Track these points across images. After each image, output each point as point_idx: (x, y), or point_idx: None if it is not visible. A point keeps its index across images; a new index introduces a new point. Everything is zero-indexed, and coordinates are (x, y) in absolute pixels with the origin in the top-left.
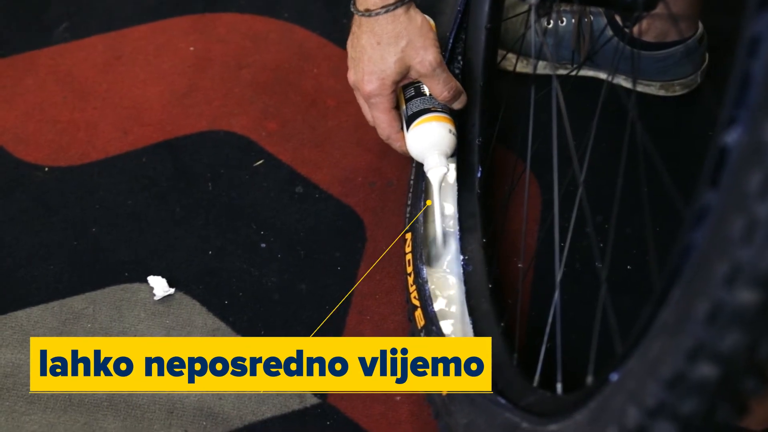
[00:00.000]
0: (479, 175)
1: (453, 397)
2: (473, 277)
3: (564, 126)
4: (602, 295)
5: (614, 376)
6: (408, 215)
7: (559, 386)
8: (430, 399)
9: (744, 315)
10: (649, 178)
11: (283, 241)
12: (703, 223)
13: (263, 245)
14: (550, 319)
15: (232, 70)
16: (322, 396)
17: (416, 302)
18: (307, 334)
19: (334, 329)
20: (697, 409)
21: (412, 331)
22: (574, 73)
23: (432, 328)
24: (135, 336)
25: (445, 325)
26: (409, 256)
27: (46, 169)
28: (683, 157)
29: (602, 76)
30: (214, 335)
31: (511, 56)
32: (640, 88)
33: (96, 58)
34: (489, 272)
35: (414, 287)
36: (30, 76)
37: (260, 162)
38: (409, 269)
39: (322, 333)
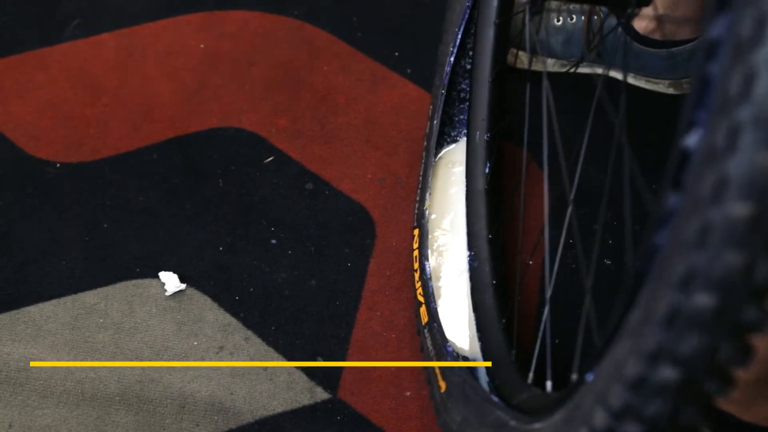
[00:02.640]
0: (487, 170)
1: (450, 394)
2: (478, 272)
3: (554, 125)
4: (588, 288)
5: (590, 376)
6: (416, 211)
7: (548, 384)
8: (432, 396)
9: (700, 318)
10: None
11: (293, 238)
12: (667, 225)
13: (274, 241)
14: (545, 317)
15: (242, 67)
16: (333, 391)
17: (421, 299)
18: (317, 330)
19: (345, 325)
20: (660, 411)
21: (418, 329)
22: (572, 70)
23: (434, 325)
24: (146, 331)
25: (446, 322)
26: (415, 253)
27: (58, 165)
28: None
29: (614, 74)
30: (225, 330)
31: (523, 54)
32: (648, 86)
33: (107, 54)
34: (493, 268)
35: (419, 284)
36: (42, 72)
37: (270, 158)
38: (416, 265)
39: (332, 330)
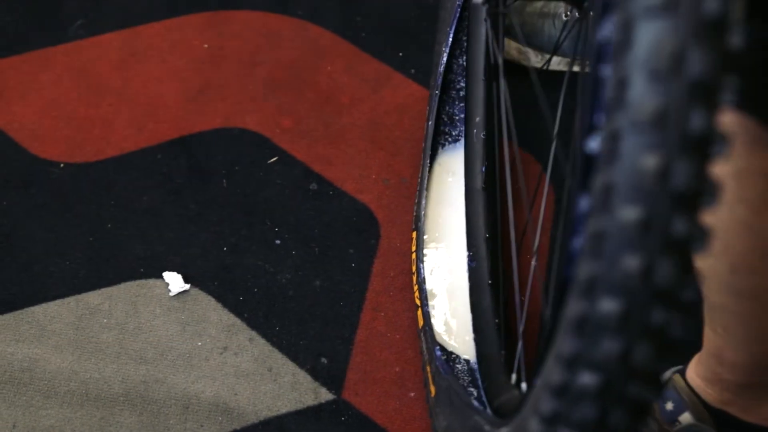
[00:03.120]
0: (483, 169)
1: (438, 400)
2: (476, 273)
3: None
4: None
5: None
6: (415, 213)
7: (524, 386)
8: (427, 400)
9: (607, 323)
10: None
11: (297, 238)
12: (580, 229)
13: (278, 242)
14: (523, 314)
15: (246, 68)
16: (337, 392)
17: (418, 302)
18: (322, 330)
19: (349, 326)
20: (588, 416)
21: (418, 331)
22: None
23: (426, 329)
24: (150, 331)
25: (438, 325)
26: (413, 255)
27: (62, 165)
28: None
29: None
30: (229, 331)
31: (528, 51)
32: None
33: (111, 54)
34: (490, 268)
35: (416, 287)
36: (46, 72)
37: (275, 159)
38: (413, 268)
39: (336, 331)
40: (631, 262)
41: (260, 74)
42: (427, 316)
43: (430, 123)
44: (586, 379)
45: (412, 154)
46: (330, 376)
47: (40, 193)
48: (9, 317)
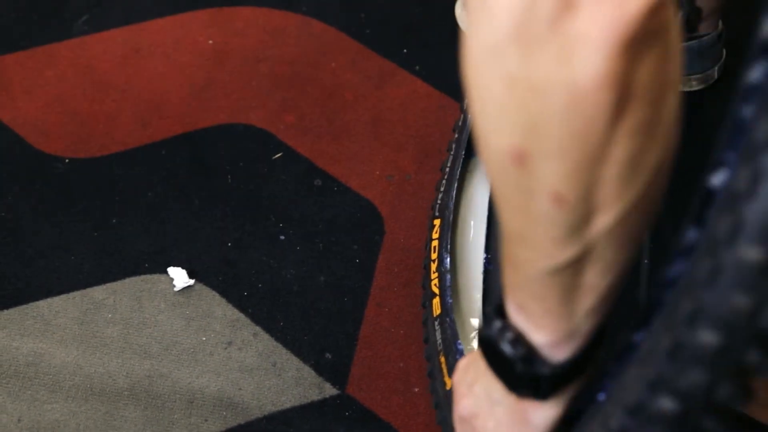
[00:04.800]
0: None
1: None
2: (492, 276)
3: None
4: None
5: (601, 396)
6: (439, 201)
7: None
8: (432, 389)
9: (702, 354)
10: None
11: (301, 234)
12: (685, 259)
13: (282, 237)
14: None
15: (250, 64)
16: (341, 387)
17: (436, 290)
18: (326, 326)
19: (353, 321)
20: None
21: (425, 319)
22: None
23: (446, 320)
24: (155, 326)
25: (458, 319)
26: (435, 243)
27: (66, 160)
28: (695, 153)
29: None
30: (233, 326)
31: None
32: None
33: (115, 50)
34: None
35: (436, 275)
36: (50, 68)
37: (279, 155)
38: (434, 255)
39: (340, 326)
40: (742, 301)
41: (264, 70)
42: (447, 308)
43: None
44: (666, 404)
45: (416, 150)
46: (334, 371)
47: (45, 189)
48: (14, 312)
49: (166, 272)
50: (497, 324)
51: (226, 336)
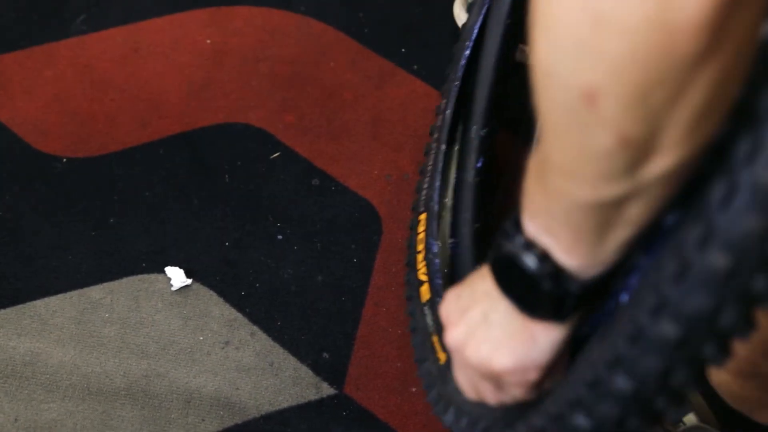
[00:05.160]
0: (479, 165)
1: (450, 365)
2: (460, 259)
3: None
4: None
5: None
6: (423, 196)
7: None
8: (424, 372)
9: (712, 277)
10: None
11: (299, 233)
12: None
13: (280, 237)
14: None
15: (249, 63)
16: (339, 386)
17: (424, 278)
18: (324, 326)
19: (351, 321)
20: (654, 368)
21: (412, 309)
22: None
23: (437, 300)
24: (152, 326)
25: None
26: (421, 235)
27: (65, 160)
28: None
29: None
30: (231, 326)
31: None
32: None
33: (114, 50)
34: (476, 257)
35: (424, 263)
36: (49, 67)
37: (277, 154)
38: (420, 247)
39: (338, 326)
40: (755, 223)
41: (263, 70)
42: (437, 289)
43: (447, 112)
44: (668, 329)
45: (415, 150)
46: (332, 371)
47: (44, 188)
48: (11, 311)
49: (164, 272)
50: (520, 240)
51: (223, 336)
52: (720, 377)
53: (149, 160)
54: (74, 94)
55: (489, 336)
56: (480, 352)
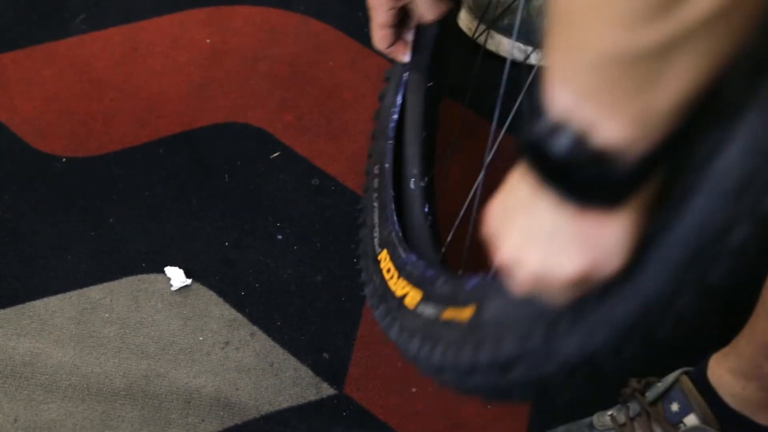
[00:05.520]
0: (426, 210)
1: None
2: (411, 211)
3: None
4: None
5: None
6: (378, 237)
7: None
8: (370, 294)
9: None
10: None
11: (299, 233)
12: None
13: (280, 237)
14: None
15: (248, 63)
16: (339, 387)
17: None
18: (323, 326)
19: (351, 321)
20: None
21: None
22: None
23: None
24: (152, 326)
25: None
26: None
27: (64, 159)
28: None
29: None
30: (230, 326)
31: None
32: None
33: (113, 49)
34: (425, 215)
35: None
36: (48, 67)
37: (277, 154)
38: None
39: (337, 326)
40: None
41: (262, 69)
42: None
43: (386, 165)
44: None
45: None
46: (331, 371)
47: (43, 188)
48: (10, 311)
49: (164, 272)
50: (547, 122)
51: (223, 336)
52: (722, 378)
53: (149, 159)
54: (73, 93)
55: (549, 247)
56: (544, 260)
